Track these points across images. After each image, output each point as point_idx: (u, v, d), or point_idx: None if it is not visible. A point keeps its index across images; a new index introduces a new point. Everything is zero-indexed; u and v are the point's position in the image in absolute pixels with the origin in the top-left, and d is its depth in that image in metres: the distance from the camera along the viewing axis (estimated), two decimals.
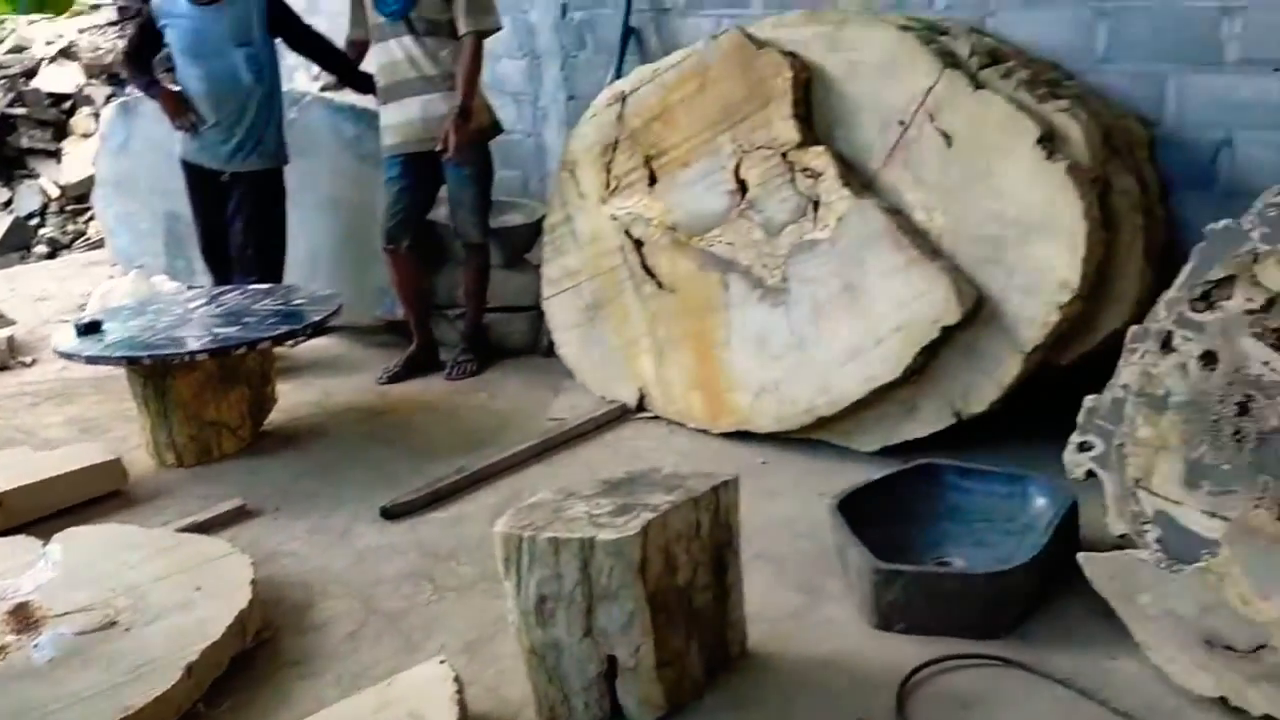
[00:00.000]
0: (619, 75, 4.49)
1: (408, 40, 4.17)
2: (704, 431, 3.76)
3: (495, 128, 4.40)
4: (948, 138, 3.20)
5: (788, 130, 3.44)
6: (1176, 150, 3.34)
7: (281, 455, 3.86)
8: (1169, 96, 3.32)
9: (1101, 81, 3.43)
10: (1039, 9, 3.51)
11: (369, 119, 4.61)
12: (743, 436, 3.67)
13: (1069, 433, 3.34)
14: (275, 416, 4.08)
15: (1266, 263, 2.27)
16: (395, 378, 4.46)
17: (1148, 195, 3.29)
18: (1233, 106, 3.20)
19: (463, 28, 4.14)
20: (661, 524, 2.24)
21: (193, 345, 3.65)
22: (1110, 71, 3.42)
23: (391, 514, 3.35)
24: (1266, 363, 2.27)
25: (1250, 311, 2.29)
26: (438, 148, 4.13)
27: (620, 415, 3.96)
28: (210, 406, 3.76)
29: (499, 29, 4.25)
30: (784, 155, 3.46)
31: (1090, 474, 2.66)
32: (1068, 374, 3.30)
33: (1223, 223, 2.58)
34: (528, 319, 4.63)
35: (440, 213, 4.53)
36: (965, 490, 2.97)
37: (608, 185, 3.96)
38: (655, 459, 3.59)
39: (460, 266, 4.54)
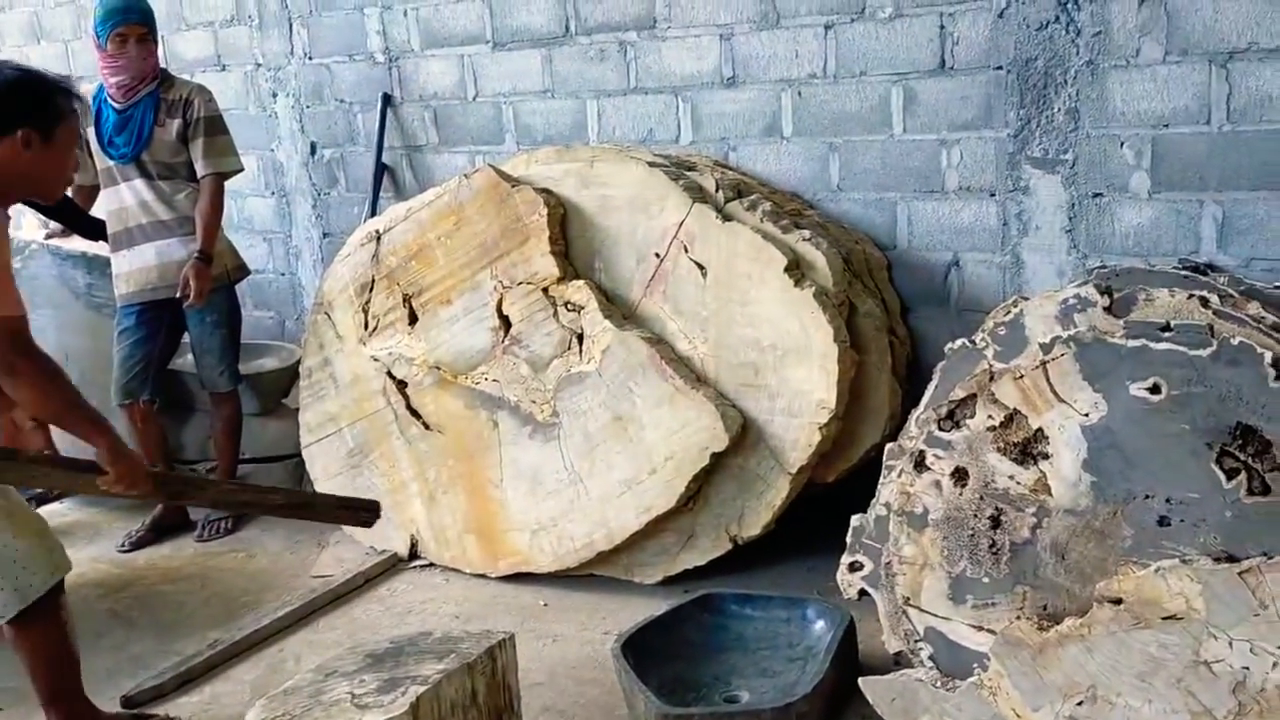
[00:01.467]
0: (374, 213, 4.41)
1: (140, 184, 3.94)
2: (482, 576, 3.61)
3: (240, 270, 4.19)
4: (702, 269, 3.28)
5: (547, 265, 3.44)
6: (911, 272, 3.56)
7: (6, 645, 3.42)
8: (900, 222, 3.54)
9: (839, 209, 3.63)
10: (777, 143, 3.69)
11: (102, 266, 4.30)
12: (522, 578, 3.55)
13: (841, 548, 3.44)
14: None
15: (1002, 380, 2.39)
16: (140, 543, 4.08)
17: (889, 315, 3.46)
18: (957, 230, 3.45)
19: (201, 170, 3.95)
20: (433, 697, 2.09)
21: None
22: (845, 200, 3.62)
23: (134, 703, 3.01)
24: (1011, 476, 2.38)
25: (992, 428, 2.40)
26: (178, 294, 3.88)
27: (392, 566, 3.76)
28: None
29: (240, 170, 4.09)
30: (545, 290, 3.45)
31: (864, 593, 2.71)
32: (834, 490, 3.39)
33: (959, 342, 2.73)
34: (287, 468, 4.37)
35: (186, 360, 4.25)
36: (747, 618, 2.97)
37: (366, 326, 3.82)
38: (430, 612, 3.42)
39: (209, 417, 4.25)
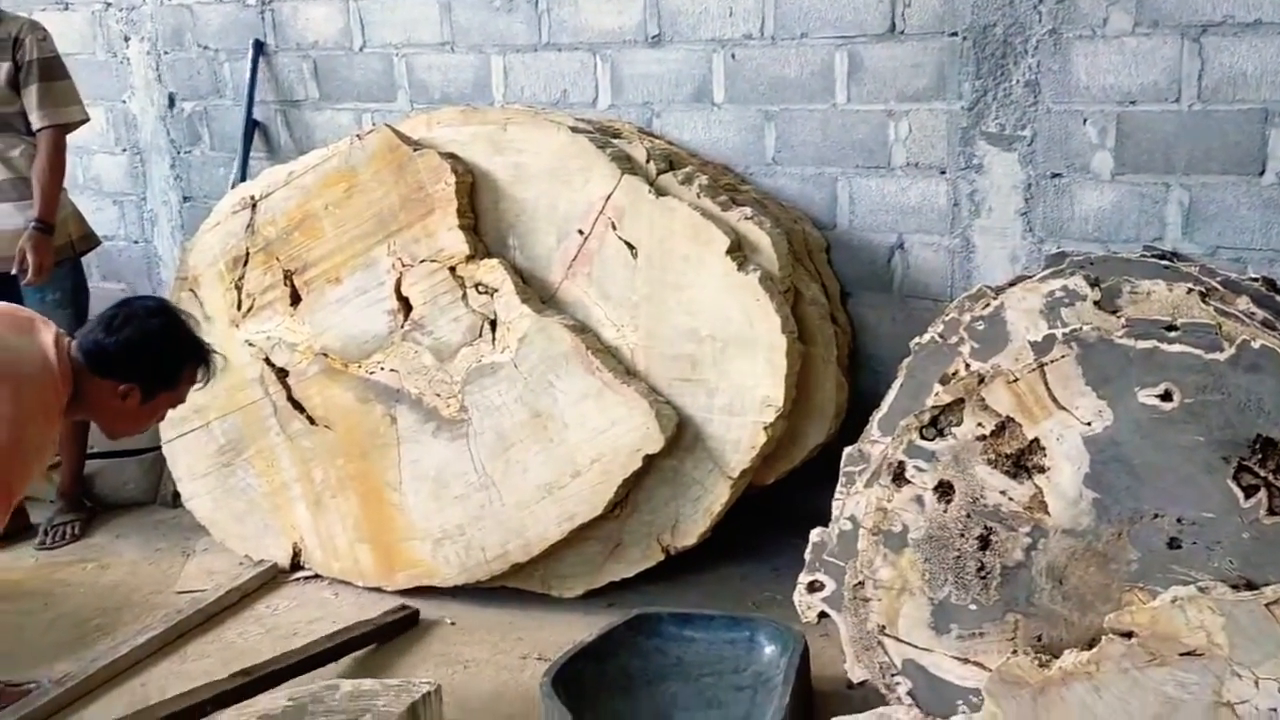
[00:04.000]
0: (243, 176, 3.92)
1: None
2: (377, 590, 3.20)
3: (87, 240, 3.66)
4: (633, 248, 2.93)
5: (455, 241, 3.04)
6: (852, 254, 3.29)
7: None
8: (841, 200, 3.26)
9: (774, 185, 3.33)
10: (706, 110, 3.37)
11: None
12: (424, 592, 3.15)
13: (776, 553, 3.19)
14: None
15: (994, 385, 2.13)
16: None
17: (830, 301, 3.19)
18: (903, 210, 3.19)
19: (38, 121, 3.40)
20: None
21: None
22: (781, 175, 3.32)
23: None
24: (1003, 491, 2.13)
25: (981, 437, 2.14)
26: (14, 270, 3.33)
27: (271, 579, 3.32)
28: None
29: (85, 120, 3.54)
30: (452, 269, 3.05)
31: (824, 614, 2.44)
32: (768, 491, 3.12)
33: (928, 336, 2.48)
34: (144, 464, 3.87)
35: None
36: (688, 640, 2.66)
37: (239, 305, 3.35)
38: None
39: None
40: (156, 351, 2.38)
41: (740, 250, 2.87)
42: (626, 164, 2.99)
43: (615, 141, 3.08)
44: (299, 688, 2.06)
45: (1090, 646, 2.02)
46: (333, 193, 3.18)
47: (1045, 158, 2.98)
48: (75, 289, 3.58)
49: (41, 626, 3.15)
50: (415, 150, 3.08)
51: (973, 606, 2.15)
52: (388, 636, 2.95)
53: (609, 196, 2.95)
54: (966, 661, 2.15)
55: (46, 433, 2.33)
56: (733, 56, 3.29)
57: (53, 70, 3.46)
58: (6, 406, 2.17)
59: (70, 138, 3.54)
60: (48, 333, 2.37)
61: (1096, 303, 2.26)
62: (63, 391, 2.33)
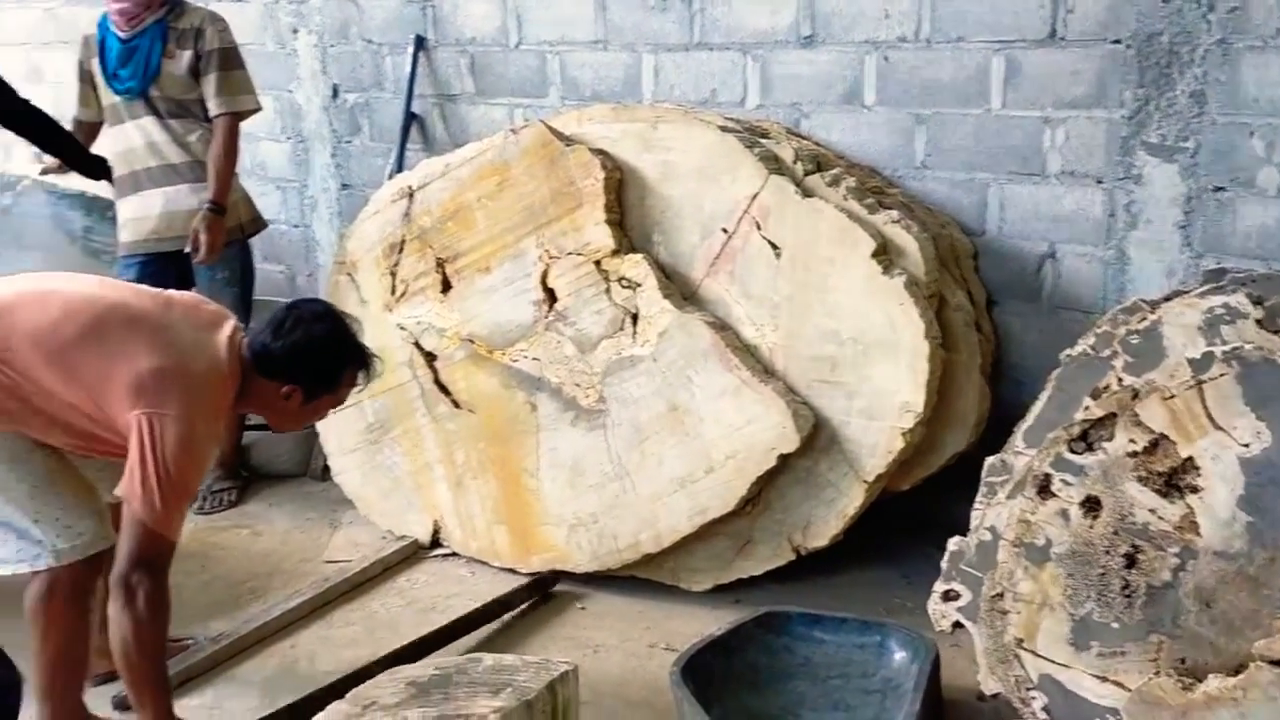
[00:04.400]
0: (400, 166, 4.07)
1: (148, 123, 3.59)
2: (511, 571, 3.30)
3: (256, 223, 3.86)
4: (776, 249, 2.95)
5: (601, 236, 3.11)
6: (1000, 261, 3.24)
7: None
8: (991, 206, 3.22)
9: (922, 189, 3.30)
10: (856, 112, 3.36)
11: (102, 209, 3.96)
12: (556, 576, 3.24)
13: (909, 560, 3.17)
14: None
15: (1149, 400, 2.09)
16: None
17: (975, 308, 3.15)
18: (1056, 219, 3.13)
19: (215, 109, 3.60)
20: None
21: None
22: (930, 179, 3.29)
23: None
24: (1153, 510, 2.09)
25: (1133, 454, 2.11)
26: (187, 248, 3.54)
27: (412, 554, 3.46)
28: None
29: (258, 109, 3.73)
30: (597, 263, 3.12)
31: (958, 624, 2.42)
32: (903, 497, 3.11)
33: (1079, 348, 2.44)
34: (297, 438, 4.05)
35: None
36: (817, 641, 2.67)
37: (393, 290, 3.49)
38: (456, 609, 3.10)
39: None
40: (320, 357, 2.45)
41: (886, 254, 2.86)
42: (774, 164, 3.01)
43: (763, 141, 3.11)
44: (443, 658, 2.16)
45: (1236, 673, 1.97)
46: (486, 185, 3.29)
47: (1208, 170, 2.88)
48: (243, 270, 3.78)
49: (198, 586, 3.34)
50: (566, 145, 3.17)
51: (1115, 625, 2.12)
52: (532, 595, 3.12)
53: (755, 196, 2.98)
54: (1106, 680, 2.11)
55: (214, 428, 2.42)
56: (885, 59, 3.28)
57: (230, 60, 3.66)
58: (178, 405, 2.25)
59: (242, 125, 3.74)
60: (225, 330, 2.45)
61: (1259, 321, 2.19)
62: (229, 390, 2.42)
